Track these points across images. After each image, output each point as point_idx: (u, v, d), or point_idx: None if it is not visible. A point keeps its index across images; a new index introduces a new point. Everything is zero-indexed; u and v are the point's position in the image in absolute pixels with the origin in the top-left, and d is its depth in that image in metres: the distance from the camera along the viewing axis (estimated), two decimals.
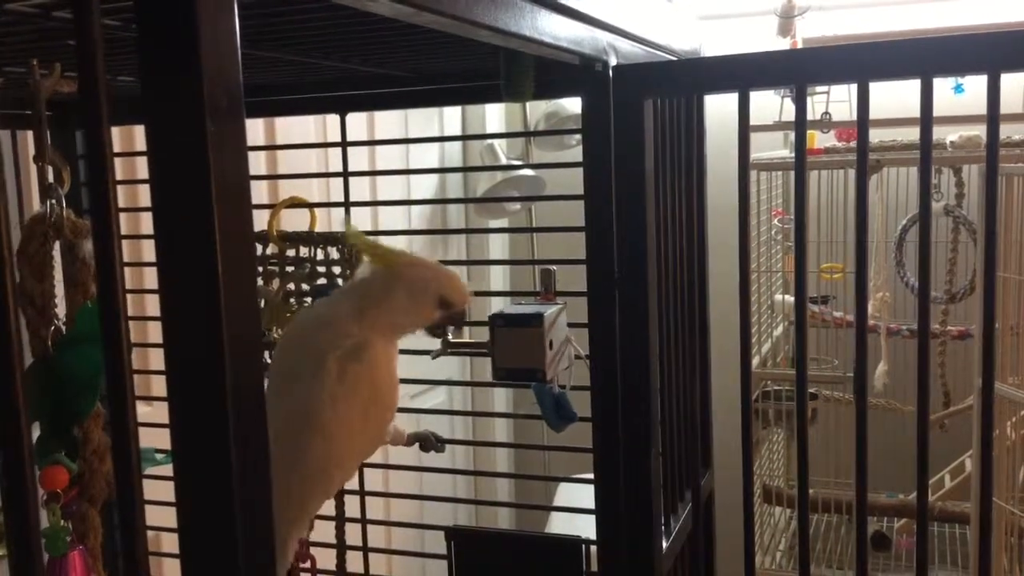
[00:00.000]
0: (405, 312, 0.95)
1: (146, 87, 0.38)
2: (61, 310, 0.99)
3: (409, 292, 0.95)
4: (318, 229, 1.22)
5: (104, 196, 0.35)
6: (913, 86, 0.84)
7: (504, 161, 2.83)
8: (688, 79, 0.99)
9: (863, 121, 0.85)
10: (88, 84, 0.36)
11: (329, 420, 0.90)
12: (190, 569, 0.39)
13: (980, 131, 2.16)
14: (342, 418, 0.91)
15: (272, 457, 0.91)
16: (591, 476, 1.06)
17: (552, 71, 1.03)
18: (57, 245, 0.99)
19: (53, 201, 0.95)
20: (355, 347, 0.92)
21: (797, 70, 0.88)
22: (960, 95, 2.35)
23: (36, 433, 0.95)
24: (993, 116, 0.81)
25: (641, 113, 0.96)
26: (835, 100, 2.25)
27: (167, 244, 0.37)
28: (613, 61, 0.95)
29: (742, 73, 0.90)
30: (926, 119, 0.83)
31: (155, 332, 0.99)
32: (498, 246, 2.99)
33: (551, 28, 0.82)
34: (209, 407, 0.38)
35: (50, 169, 0.94)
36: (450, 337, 1.13)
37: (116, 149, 1.48)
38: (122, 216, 1.52)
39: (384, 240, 2.01)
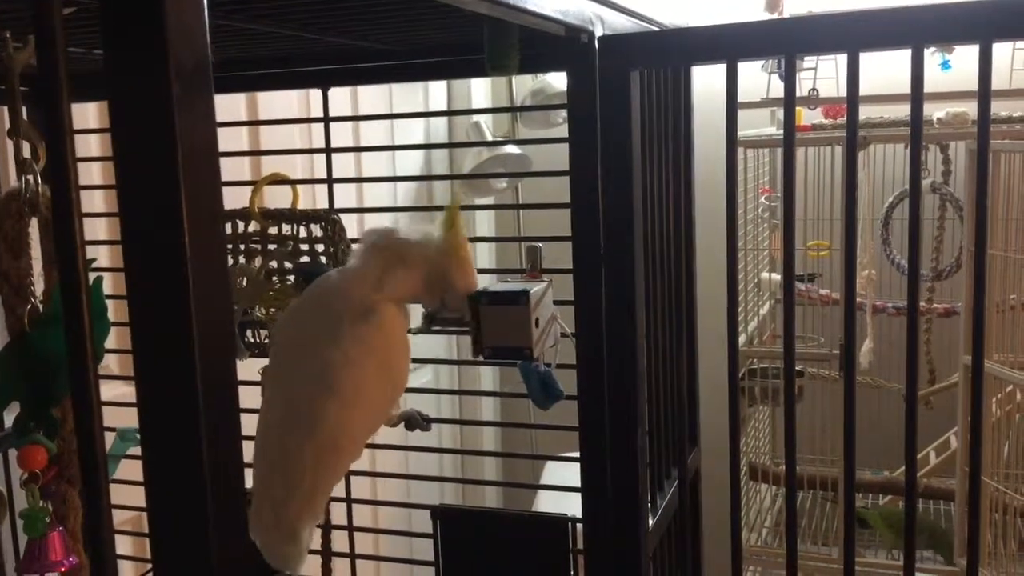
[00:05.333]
0: (414, 292, 0.94)
1: (109, 50, 0.36)
2: (42, 290, 0.98)
3: (427, 278, 0.94)
4: (301, 206, 1.20)
5: (63, 169, 0.34)
6: (899, 62, 0.83)
7: (490, 139, 2.81)
8: (675, 50, 0.97)
9: (853, 93, 0.84)
10: (45, 53, 0.35)
11: (344, 384, 0.88)
12: (161, 547, 0.38)
13: (967, 108, 2.15)
14: (357, 382, 0.89)
15: (282, 430, 0.90)
16: (578, 454, 1.05)
17: (537, 44, 1.01)
18: (35, 222, 0.97)
19: (29, 177, 0.94)
20: (371, 311, 0.90)
21: (786, 40, 0.87)
22: (947, 72, 2.34)
23: (15, 413, 0.94)
24: (984, 87, 0.80)
25: (627, 85, 0.94)
26: (822, 77, 2.24)
27: (131, 215, 0.36)
28: (599, 32, 0.94)
29: (730, 43, 0.88)
30: (916, 90, 0.82)
31: None
32: (484, 224, 2.97)
33: None
34: (178, 383, 0.36)
35: (25, 144, 0.93)
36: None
37: (95, 125, 1.47)
38: (104, 193, 1.51)
39: (369, 218, 1.99)
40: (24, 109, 0.91)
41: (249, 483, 0.83)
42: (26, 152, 0.92)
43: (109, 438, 1.22)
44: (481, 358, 1.06)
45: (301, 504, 0.91)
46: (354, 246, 1.18)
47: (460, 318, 0.98)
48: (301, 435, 0.88)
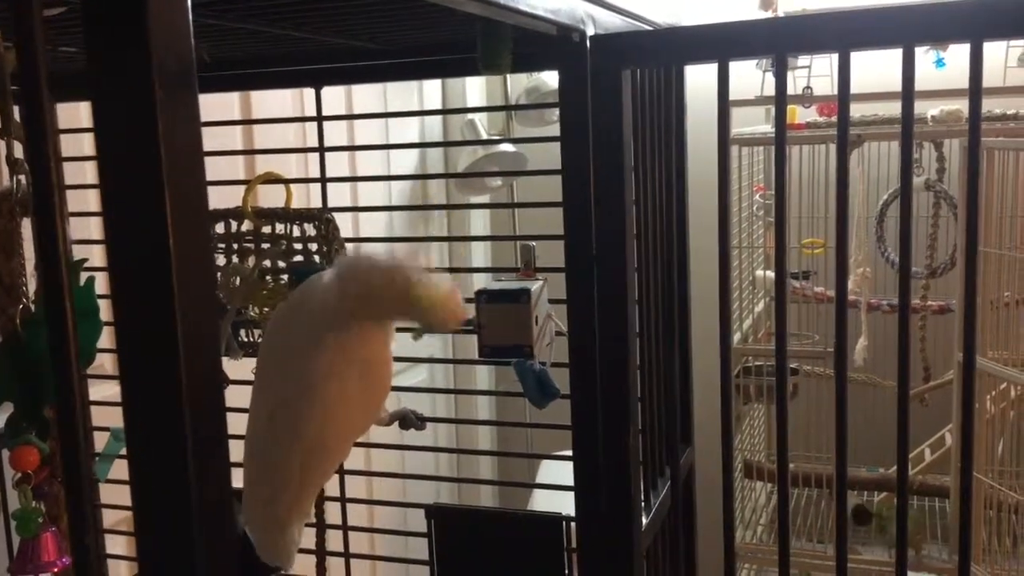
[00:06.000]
0: (392, 321, 0.95)
1: (91, 50, 0.36)
2: (34, 290, 0.97)
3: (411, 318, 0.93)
4: (295, 205, 1.20)
5: (45, 171, 0.34)
6: (893, 60, 0.83)
7: (485, 137, 2.81)
8: (667, 49, 0.97)
9: (844, 92, 0.84)
10: (25, 50, 0.34)
11: (327, 393, 0.89)
12: (147, 547, 0.38)
13: (961, 105, 2.15)
14: (340, 390, 0.90)
15: (270, 433, 0.91)
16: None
17: (530, 43, 1.01)
18: (27, 223, 0.97)
19: (20, 177, 0.94)
20: (352, 322, 0.91)
21: (778, 39, 0.87)
22: (941, 69, 2.34)
23: (7, 414, 0.94)
24: (975, 86, 0.80)
25: (619, 84, 0.94)
26: (816, 75, 2.24)
27: (116, 217, 0.36)
28: (591, 31, 0.94)
29: (722, 42, 0.88)
30: (908, 89, 0.82)
31: None
32: (480, 222, 2.97)
33: None
34: (162, 389, 0.36)
35: (18, 144, 0.92)
36: None
37: (88, 125, 1.46)
38: (98, 193, 1.50)
39: (364, 217, 1.99)
40: (16, 109, 0.91)
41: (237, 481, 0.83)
42: (18, 152, 0.92)
43: (103, 437, 1.22)
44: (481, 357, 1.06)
45: (290, 502, 0.92)
46: (348, 246, 1.18)
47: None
48: (288, 439, 0.90)
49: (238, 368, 1.08)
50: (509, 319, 1.03)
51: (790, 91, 1.95)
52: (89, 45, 0.36)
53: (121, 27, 0.35)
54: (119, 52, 0.35)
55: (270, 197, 1.24)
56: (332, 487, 1.31)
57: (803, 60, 2.22)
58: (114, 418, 1.04)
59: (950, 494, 2.27)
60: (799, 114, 2.43)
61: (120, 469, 1.10)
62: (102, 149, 0.37)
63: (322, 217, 1.18)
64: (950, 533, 2.27)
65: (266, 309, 1.17)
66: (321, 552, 1.31)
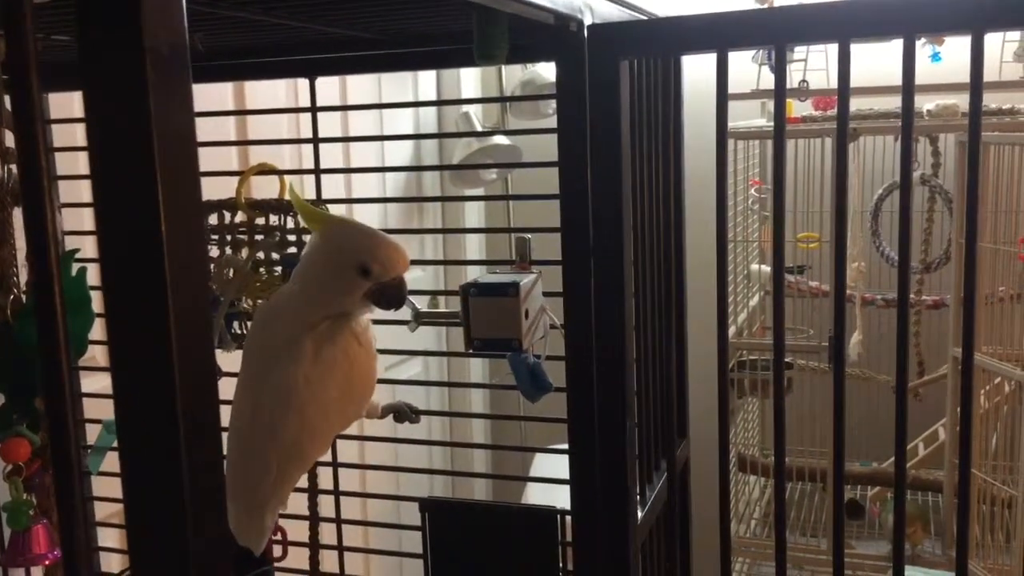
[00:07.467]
0: (328, 283, 0.91)
1: (82, 35, 0.35)
2: (25, 280, 0.97)
3: (327, 259, 0.92)
4: (288, 196, 1.19)
5: (34, 158, 0.33)
6: (888, 54, 0.82)
7: (480, 129, 2.80)
8: (666, 38, 0.96)
9: (844, 83, 0.84)
10: (14, 35, 0.34)
11: (304, 400, 0.90)
12: (138, 541, 0.37)
13: (957, 100, 2.15)
14: (317, 398, 0.91)
15: (250, 431, 0.92)
16: (567, 446, 1.05)
17: (526, 33, 1.00)
18: (19, 212, 0.97)
19: (12, 166, 0.93)
20: (330, 328, 0.92)
21: (777, 29, 0.86)
22: (937, 63, 2.34)
23: None
24: (976, 77, 0.79)
25: (617, 75, 0.94)
26: (812, 68, 2.24)
27: (107, 205, 0.35)
28: (588, 20, 0.93)
29: (721, 32, 0.88)
30: (908, 81, 0.82)
31: None
32: (474, 215, 2.96)
33: None
34: (155, 381, 0.35)
35: (9, 134, 0.92)
36: (418, 307, 1.12)
37: (80, 115, 1.45)
38: (88, 184, 1.50)
39: (358, 209, 1.99)
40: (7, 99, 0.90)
41: None
42: (9, 141, 0.91)
43: (95, 430, 1.21)
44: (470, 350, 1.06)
45: (266, 493, 0.94)
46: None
47: (396, 288, 0.93)
48: (265, 441, 0.93)
49: (232, 360, 1.07)
50: (498, 312, 1.02)
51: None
52: (81, 28, 0.35)
53: (113, 11, 0.34)
54: (111, 34, 0.35)
55: (264, 188, 1.23)
56: (326, 480, 1.30)
57: (799, 54, 2.21)
58: (106, 410, 1.04)
59: (943, 489, 2.28)
60: (795, 108, 2.42)
61: (113, 462, 1.09)
62: (93, 134, 0.36)
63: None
64: (943, 528, 2.27)
65: (259, 301, 1.17)
66: (314, 545, 1.31)
